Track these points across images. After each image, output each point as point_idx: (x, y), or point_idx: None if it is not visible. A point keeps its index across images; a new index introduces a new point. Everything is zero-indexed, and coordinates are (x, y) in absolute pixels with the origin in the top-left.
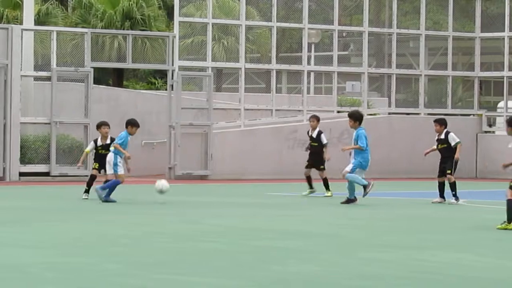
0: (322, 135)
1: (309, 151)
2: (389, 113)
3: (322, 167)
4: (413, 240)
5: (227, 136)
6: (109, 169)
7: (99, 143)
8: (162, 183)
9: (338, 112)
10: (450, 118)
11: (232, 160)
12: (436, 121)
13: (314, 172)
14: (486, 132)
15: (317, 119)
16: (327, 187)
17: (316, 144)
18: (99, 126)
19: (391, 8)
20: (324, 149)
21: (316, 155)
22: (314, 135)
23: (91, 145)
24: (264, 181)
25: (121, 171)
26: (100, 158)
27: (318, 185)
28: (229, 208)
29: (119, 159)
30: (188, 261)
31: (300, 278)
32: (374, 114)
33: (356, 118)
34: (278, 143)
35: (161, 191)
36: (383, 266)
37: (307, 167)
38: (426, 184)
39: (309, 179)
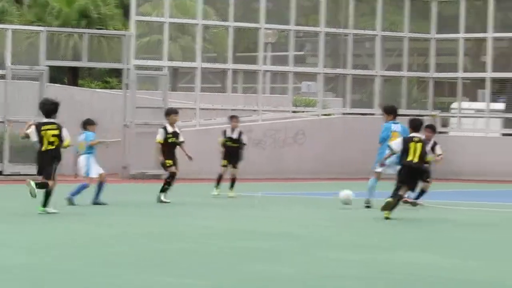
0: (243, 136)
1: (224, 151)
2: (344, 114)
3: (237, 165)
4: (376, 241)
5: (183, 136)
6: (83, 171)
7: (170, 130)
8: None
9: (294, 112)
10: (404, 119)
11: (185, 161)
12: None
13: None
14: (440, 132)
15: (238, 119)
16: (232, 186)
17: (236, 145)
18: (168, 113)
19: (348, 8)
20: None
21: (234, 154)
22: (235, 135)
23: (161, 134)
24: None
25: (94, 172)
26: (171, 148)
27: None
28: (189, 208)
29: (92, 159)
30: (160, 261)
31: (266, 278)
32: (329, 115)
33: (385, 111)
34: None
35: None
36: (348, 266)
37: (224, 165)
38: (382, 185)
39: (220, 179)
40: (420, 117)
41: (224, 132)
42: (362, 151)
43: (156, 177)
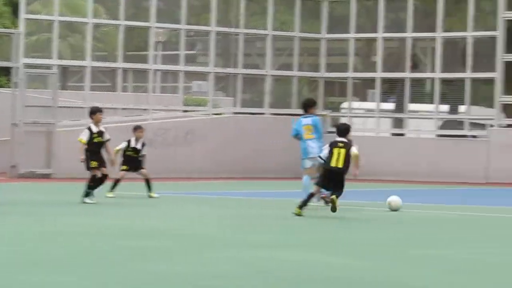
0: (145, 147)
1: (123, 159)
2: (235, 113)
3: (140, 168)
4: (268, 239)
5: (72, 135)
6: None
7: (95, 129)
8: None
9: (184, 111)
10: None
11: (77, 158)
12: None
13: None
14: (329, 132)
15: (143, 130)
16: (150, 187)
17: (136, 155)
18: (93, 112)
19: (239, 8)
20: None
21: (134, 162)
22: (139, 146)
23: (86, 134)
24: (109, 179)
25: None
26: (96, 148)
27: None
28: (79, 207)
29: None
30: (47, 260)
31: (154, 277)
32: (220, 114)
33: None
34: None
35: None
36: (234, 265)
37: (124, 170)
38: (274, 184)
39: (117, 182)
40: (346, 123)
41: (129, 141)
42: (254, 150)
43: (46, 176)
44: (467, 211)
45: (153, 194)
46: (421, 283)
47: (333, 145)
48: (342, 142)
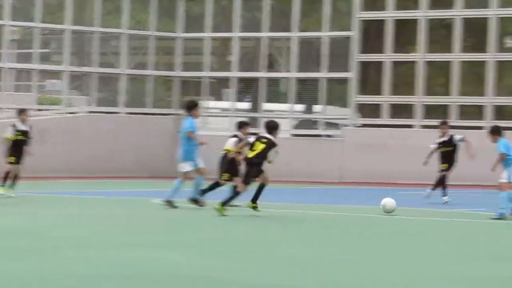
0: (33, 129)
1: (11, 146)
2: (90, 112)
3: (21, 161)
4: (123, 239)
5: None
6: None
7: (20, 127)
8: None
9: (38, 110)
10: (149, 118)
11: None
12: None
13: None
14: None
15: (27, 112)
16: (13, 185)
17: (26, 137)
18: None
19: (94, 6)
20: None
21: (22, 149)
22: (27, 128)
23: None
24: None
25: None
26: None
27: None
28: None
29: None
30: None
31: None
32: (74, 113)
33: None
34: None
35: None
36: (90, 265)
37: (12, 162)
38: (129, 183)
39: (7, 176)
40: (275, 120)
41: (14, 125)
42: (109, 149)
43: None
44: (322, 210)
45: (12, 193)
46: (268, 281)
47: (257, 139)
48: (266, 138)
